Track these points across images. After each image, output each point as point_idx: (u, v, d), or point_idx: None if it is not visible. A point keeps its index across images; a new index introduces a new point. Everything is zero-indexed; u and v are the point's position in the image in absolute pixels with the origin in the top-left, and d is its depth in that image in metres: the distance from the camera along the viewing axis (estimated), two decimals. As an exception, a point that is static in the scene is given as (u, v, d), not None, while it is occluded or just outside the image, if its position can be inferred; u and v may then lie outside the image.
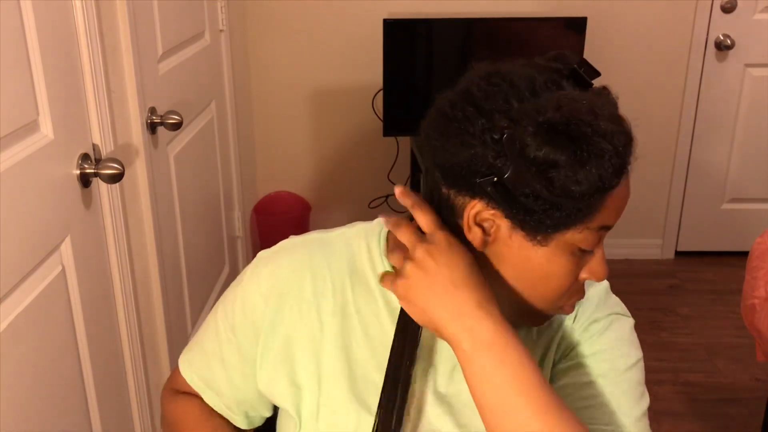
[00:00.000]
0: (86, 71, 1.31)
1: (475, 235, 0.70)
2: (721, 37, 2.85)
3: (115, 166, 1.28)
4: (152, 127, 1.65)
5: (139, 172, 1.59)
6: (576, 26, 2.59)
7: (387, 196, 3.05)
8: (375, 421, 0.75)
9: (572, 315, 0.82)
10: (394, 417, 0.74)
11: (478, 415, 0.73)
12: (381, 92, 2.66)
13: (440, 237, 0.70)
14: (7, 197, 1.03)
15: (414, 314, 0.71)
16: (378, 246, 0.80)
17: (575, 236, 0.68)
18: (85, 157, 1.28)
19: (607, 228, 0.70)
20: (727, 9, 2.82)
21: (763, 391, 2.26)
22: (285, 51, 2.89)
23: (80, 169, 1.26)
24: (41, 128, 1.16)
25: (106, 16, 1.39)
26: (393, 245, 0.74)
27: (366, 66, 2.86)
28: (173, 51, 1.84)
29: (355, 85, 2.92)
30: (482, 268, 0.72)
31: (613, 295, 0.85)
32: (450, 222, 0.72)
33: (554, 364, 0.82)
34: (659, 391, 2.27)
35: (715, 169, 3.06)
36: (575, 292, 0.75)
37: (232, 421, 0.87)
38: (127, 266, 1.49)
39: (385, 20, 2.53)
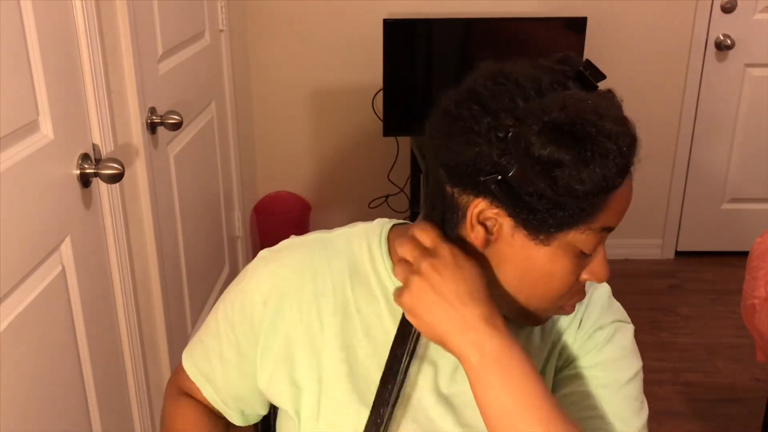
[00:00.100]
0: (86, 71, 1.31)
1: (477, 234, 0.70)
2: (721, 37, 2.85)
3: (115, 166, 1.28)
4: (152, 127, 1.65)
5: (139, 172, 1.59)
6: (576, 26, 2.59)
7: (387, 196, 3.05)
8: (368, 419, 0.75)
9: (576, 321, 0.82)
10: (386, 416, 0.75)
11: (480, 415, 0.74)
12: (381, 92, 2.66)
13: (445, 250, 0.71)
14: (7, 197, 1.03)
15: (420, 327, 0.71)
16: (379, 246, 0.80)
17: (577, 236, 0.69)
18: (85, 157, 1.28)
19: (609, 229, 0.70)
20: (727, 9, 2.82)
21: (763, 391, 2.26)
22: (285, 51, 2.89)
23: (80, 169, 1.26)
24: (41, 128, 1.16)
25: (106, 16, 1.39)
26: (399, 259, 0.74)
27: (366, 66, 2.86)
28: (173, 51, 1.84)
29: (355, 85, 2.92)
30: (484, 267, 0.73)
31: (615, 301, 0.86)
32: (452, 222, 0.72)
33: (558, 370, 0.83)
34: (659, 391, 2.28)
35: (715, 169, 3.06)
36: (576, 292, 0.75)
37: (227, 417, 0.88)
38: (127, 266, 1.49)
39: (385, 20, 2.53)
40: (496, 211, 0.69)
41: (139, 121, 1.56)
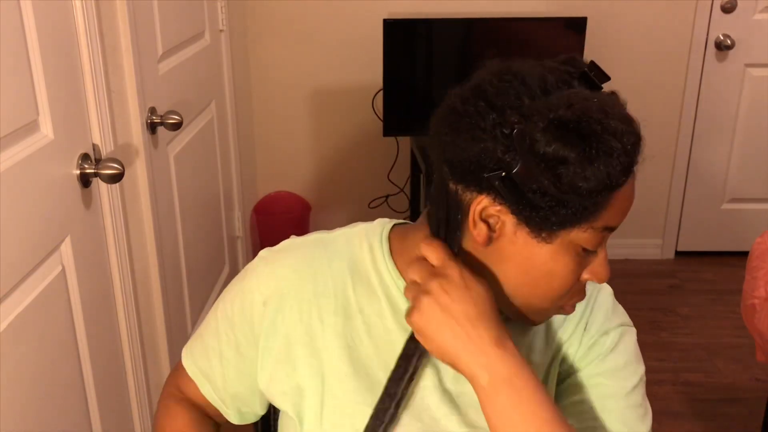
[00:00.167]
0: (86, 71, 1.31)
1: (480, 231, 0.70)
2: (721, 37, 2.85)
3: (115, 166, 1.28)
4: (152, 127, 1.65)
5: (139, 172, 1.59)
6: (576, 26, 2.59)
7: (387, 196, 3.05)
8: (370, 416, 0.76)
9: (582, 325, 0.82)
10: (387, 416, 0.75)
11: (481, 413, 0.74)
12: (381, 92, 2.66)
13: (453, 270, 0.71)
14: (7, 197, 1.03)
15: (429, 348, 0.71)
16: (380, 246, 0.80)
17: (579, 235, 0.69)
18: (85, 157, 1.28)
19: (611, 229, 0.70)
20: (727, 9, 2.82)
21: (763, 391, 2.26)
22: (285, 51, 2.89)
23: (80, 169, 1.26)
24: (41, 128, 1.16)
25: (106, 16, 1.39)
26: (410, 282, 0.74)
27: (366, 66, 2.86)
28: (173, 51, 1.84)
29: (355, 85, 2.92)
30: (485, 265, 0.73)
31: (618, 304, 0.86)
32: (455, 219, 0.72)
33: (563, 376, 0.83)
34: (659, 391, 2.28)
35: (715, 169, 3.06)
36: (576, 292, 0.75)
37: (225, 415, 0.88)
38: (127, 266, 1.49)
39: (385, 20, 2.53)
40: (498, 208, 0.69)
41: (139, 121, 1.56)
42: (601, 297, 0.84)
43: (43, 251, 1.16)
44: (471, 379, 0.70)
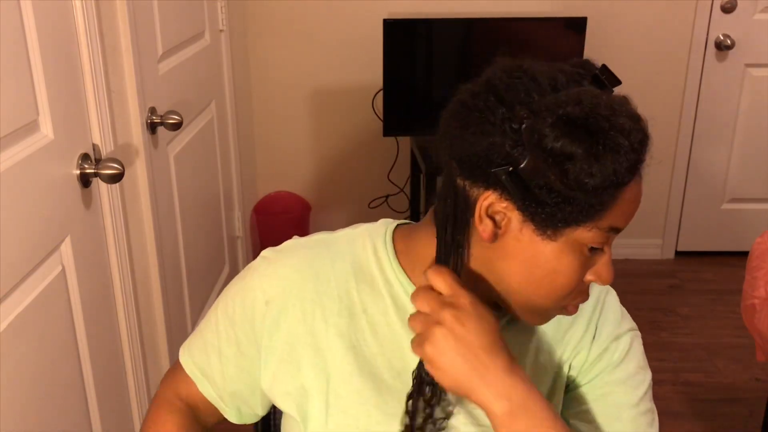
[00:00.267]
0: (86, 71, 1.31)
1: (485, 227, 0.70)
2: (721, 37, 2.85)
3: (115, 166, 1.28)
4: (152, 127, 1.65)
5: (139, 172, 1.59)
6: (576, 26, 2.59)
7: (387, 196, 3.05)
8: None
9: (591, 330, 0.82)
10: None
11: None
12: (381, 92, 2.66)
13: (465, 299, 0.70)
14: (7, 197, 1.03)
15: (442, 379, 0.71)
16: (384, 246, 0.80)
17: (584, 234, 0.69)
18: (85, 157, 1.28)
19: (616, 230, 0.70)
20: (727, 9, 2.82)
21: (763, 391, 2.26)
22: (285, 51, 2.89)
23: (80, 169, 1.26)
24: (41, 128, 1.16)
25: (106, 16, 1.40)
26: (413, 315, 0.73)
27: (366, 66, 2.86)
28: (173, 51, 1.84)
29: (355, 85, 2.92)
30: (490, 261, 0.73)
31: (623, 307, 0.86)
32: (462, 215, 0.72)
33: (573, 383, 0.83)
34: (659, 391, 2.27)
35: (715, 169, 3.06)
36: (580, 293, 0.75)
37: (223, 413, 0.88)
38: (127, 266, 1.49)
39: (385, 20, 2.53)
40: (505, 204, 0.69)
41: (139, 121, 1.56)
42: (609, 300, 0.84)
43: (43, 251, 1.16)
44: (487, 408, 0.69)
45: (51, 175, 1.18)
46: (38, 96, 1.14)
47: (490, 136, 0.67)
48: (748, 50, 2.87)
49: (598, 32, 2.75)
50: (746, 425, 2.14)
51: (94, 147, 1.34)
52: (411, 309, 0.76)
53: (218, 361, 0.84)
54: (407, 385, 0.77)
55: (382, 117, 2.67)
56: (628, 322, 0.84)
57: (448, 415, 0.77)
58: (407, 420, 0.76)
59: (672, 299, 2.85)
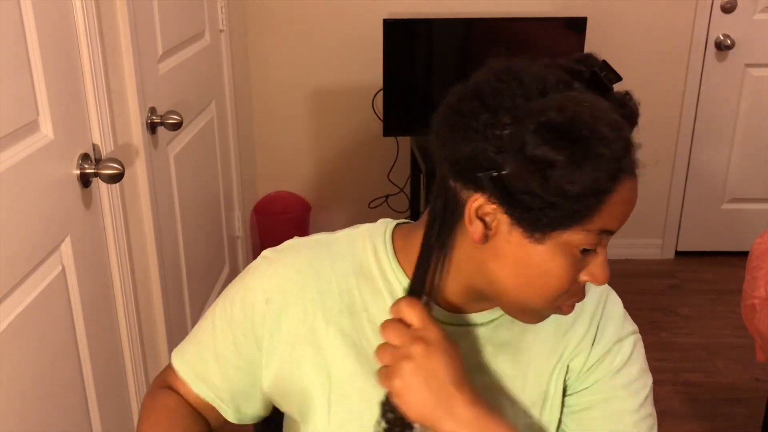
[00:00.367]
0: (86, 71, 1.31)
1: (476, 229, 0.70)
2: (721, 37, 2.85)
3: (115, 166, 1.28)
4: (152, 127, 1.65)
5: (139, 172, 1.59)
6: (576, 26, 2.59)
7: (387, 196, 3.05)
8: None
9: (592, 332, 0.82)
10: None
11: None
12: (381, 92, 2.66)
13: (434, 332, 0.71)
14: (7, 197, 1.03)
15: (408, 411, 0.71)
16: (384, 246, 0.81)
17: (573, 237, 0.69)
18: (85, 157, 1.28)
19: (608, 232, 0.70)
20: (727, 9, 2.82)
21: (763, 391, 2.26)
22: (285, 51, 2.89)
23: (80, 169, 1.26)
24: (41, 128, 1.16)
25: (106, 16, 1.40)
26: (381, 347, 0.74)
27: (366, 66, 2.86)
28: (173, 51, 1.84)
29: (355, 85, 2.92)
30: (482, 263, 0.73)
31: (625, 309, 0.86)
32: (450, 216, 0.72)
33: (573, 384, 0.83)
34: (659, 391, 2.27)
35: (715, 169, 3.06)
36: (574, 293, 0.74)
37: (222, 412, 0.87)
38: (127, 266, 1.49)
39: (385, 20, 2.53)
40: (494, 206, 0.69)
41: (139, 121, 1.56)
42: (611, 302, 0.84)
43: (43, 251, 1.16)
44: None
45: (51, 175, 1.18)
46: (38, 96, 1.14)
47: (474, 141, 0.68)
48: (748, 50, 2.87)
49: (598, 32, 2.75)
50: (746, 425, 2.14)
51: (94, 147, 1.34)
52: None
53: (215, 363, 0.84)
54: None
55: (382, 117, 2.67)
56: (630, 325, 0.84)
57: None
58: None
59: (672, 299, 2.85)
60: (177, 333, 1.87)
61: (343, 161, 3.07)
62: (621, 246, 3.13)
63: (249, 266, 0.84)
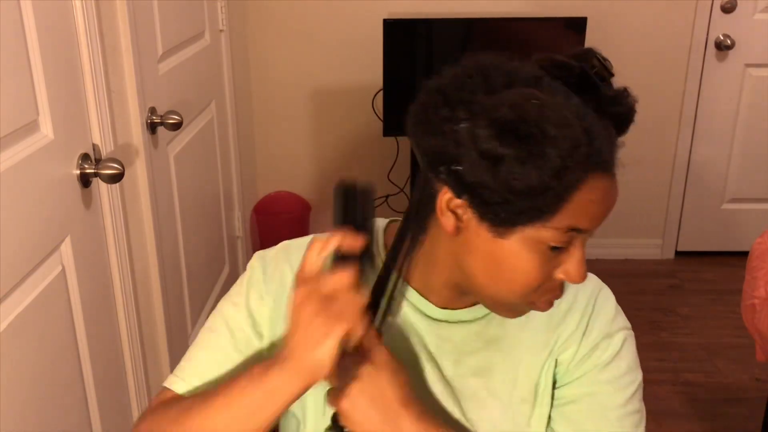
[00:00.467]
0: (86, 71, 1.31)
1: (447, 220, 0.71)
2: (721, 37, 2.85)
3: (115, 166, 1.28)
4: (152, 127, 1.65)
5: (139, 172, 1.59)
6: (576, 26, 2.59)
7: (387, 197, 3.05)
8: None
9: (582, 326, 0.82)
10: None
11: (482, 408, 0.78)
12: (381, 92, 2.66)
13: (382, 355, 0.72)
14: (7, 197, 1.03)
15: (356, 430, 0.72)
16: (375, 244, 0.82)
17: (542, 233, 0.68)
18: (85, 157, 1.28)
19: (578, 230, 0.69)
20: (727, 9, 2.82)
21: (763, 391, 2.26)
22: (285, 51, 2.89)
23: (80, 169, 1.26)
24: (41, 128, 1.16)
25: (106, 16, 1.40)
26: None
27: (366, 66, 2.86)
28: (173, 51, 1.84)
29: (355, 85, 2.92)
30: (458, 257, 0.73)
31: (618, 306, 0.86)
32: (424, 208, 0.73)
33: (561, 378, 0.82)
34: (659, 391, 2.28)
35: (715, 169, 3.06)
36: (549, 290, 0.74)
37: None
38: (127, 266, 1.49)
39: (385, 20, 2.53)
40: (461, 200, 0.69)
41: (139, 121, 1.56)
42: (603, 297, 0.84)
43: (43, 251, 1.16)
44: None
45: (51, 175, 1.18)
46: (38, 96, 1.14)
47: (435, 135, 0.69)
48: (748, 50, 2.87)
49: (598, 32, 2.75)
50: (746, 425, 2.14)
51: (94, 147, 1.34)
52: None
53: (217, 370, 0.82)
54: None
55: (382, 117, 2.67)
56: (622, 321, 0.84)
57: None
58: None
59: (672, 299, 2.85)
60: (177, 333, 1.87)
61: (343, 161, 3.07)
62: (621, 246, 3.13)
63: (242, 275, 0.85)
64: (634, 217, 3.11)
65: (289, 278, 0.81)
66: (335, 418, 0.74)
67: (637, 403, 0.82)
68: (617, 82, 0.73)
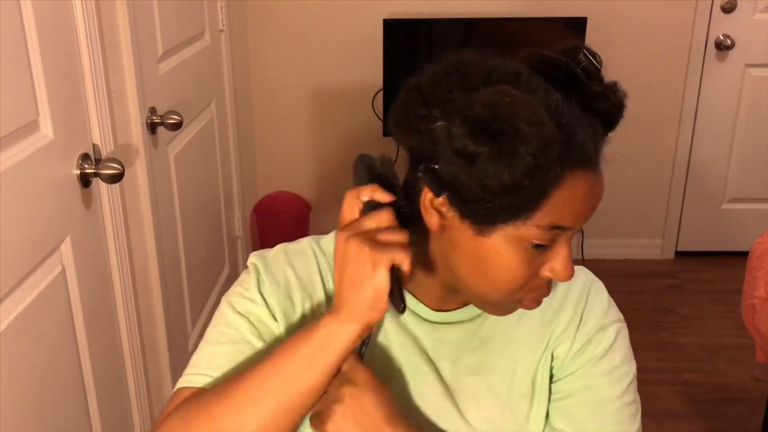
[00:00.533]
0: (86, 71, 1.31)
1: (431, 218, 0.71)
2: (721, 37, 2.85)
3: (115, 166, 1.28)
4: (152, 127, 1.65)
5: (139, 172, 1.59)
6: (576, 26, 2.59)
7: (387, 196, 3.05)
8: None
9: (576, 320, 0.82)
10: None
11: (482, 408, 0.78)
12: (381, 92, 2.66)
13: (362, 374, 0.72)
14: (7, 197, 1.03)
15: None
16: None
17: (525, 231, 0.68)
18: (85, 157, 1.28)
19: (562, 228, 0.68)
20: (727, 9, 2.82)
21: (763, 391, 2.26)
22: (285, 51, 2.89)
23: (80, 169, 1.26)
24: (41, 128, 1.16)
25: (106, 16, 1.40)
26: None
27: (366, 66, 2.86)
28: (173, 51, 1.84)
29: (355, 85, 2.92)
30: (445, 256, 0.73)
31: (611, 299, 0.86)
32: (415, 205, 0.73)
33: (557, 373, 0.82)
34: (659, 391, 2.28)
35: (715, 169, 3.06)
36: (535, 288, 0.73)
37: None
38: (127, 266, 1.49)
39: (385, 20, 2.53)
40: (443, 198, 0.69)
41: (139, 121, 1.56)
42: (595, 290, 0.84)
43: (43, 251, 1.16)
44: None
45: (51, 175, 1.18)
46: (38, 96, 1.14)
47: (414, 133, 0.69)
48: (748, 50, 2.87)
49: (598, 32, 2.75)
50: (746, 425, 2.14)
51: (94, 147, 1.34)
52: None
53: (239, 359, 0.79)
54: (392, 370, 0.80)
55: (382, 117, 2.67)
56: (615, 313, 0.84)
57: None
58: None
59: (672, 299, 2.85)
60: (177, 333, 1.87)
61: (343, 161, 3.07)
62: (621, 246, 3.13)
63: (239, 279, 0.84)
64: (634, 217, 3.11)
65: (292, 279, 0.81)
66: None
67: (633, 395, 0.82)
68: (619, 82, 0.73)
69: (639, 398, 0.83)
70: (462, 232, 0.70)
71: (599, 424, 0.80)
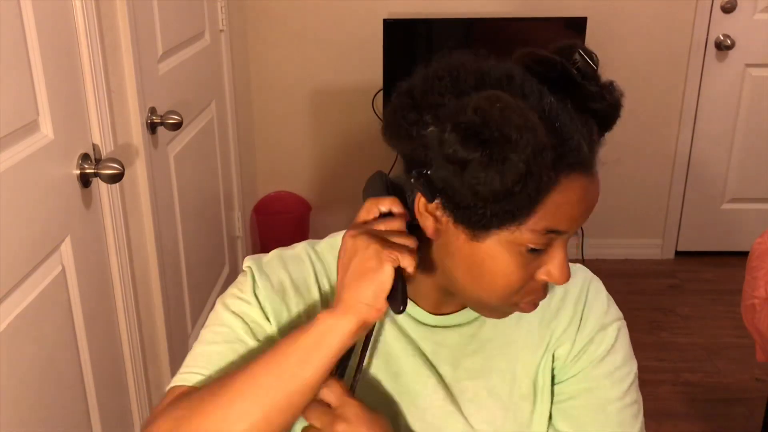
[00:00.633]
0: (86, 71, 1.31)
1: (426, 223, 0.71)
2: (721, 37, 2.85)
3: (115, 166, 1.28)
4: (152, 127, 1.65)
5: (139, 172, 1.59)
6: (576, 26, 2.59)
7: (387, 196, 3.05)
8: None
9: (576, 320, 0.82)
10: None
11: (484, 411, 0.77)
12: (381, 92, 2.66)
13: (352, 408, 0.72)
14: (7, 197, 1.03)
15: None
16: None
17: (519, 236, 0.67)
18: (85, 157, 1.28)
19: (557, 232, 0.68)
20: (727, 9, 2.82)
21: (763, 391, 2.26)
22: (285, 51, 2.88)
23: (80, 169, 1.26)
24: (41, 128, 1.16)
25: (106, 16, 1.40)
26: (305, 429, 0.74)
27: (366, 66, 2.86)
28: (173, 51, 1.84)
29: (355, 85, 2.92)
30: (441, 260, 0.73)
31: (610, 296, 0.85)
32: (410, 209, 0.73)
33: (558, 374, 0.82)
34: (659, 391, 2.28)
35: (715, 169, 3.06)
36: (532, 291, 0.73)
37: None
38: (127, 266, 1.49)
39: (385, 20, 2.53)
40: (436, 203, 0.69)
41: (139, 121, 1.56)
42: (593, 288, 0.84)
43: (43, 251, 1.16)
44: None
45: (51, 175, 1.18)
46: (38, 96, 1.14)
47: (406, 139, 0.68)
48: (748, 50, 2.87)
49: (598, 32, 2.75)
50: (746, 425, 2.14)
51: (94, 147, 1.34)
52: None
53: (232, 358, 0.79)
54: (393, 375, 0.79)
55: (382, 117, 2.67)
56: (614, 312, 0.83)
57: None
58: None
59: (672, 299, 2.85)
60: (177, 333, 1.87)
61: (343, 161, 3.07)
62: (621, 246, 3.13)
63: (236, 280, 0.84)
64: (634, 217, 3.11)
65: (287, 284, 0.81)
66: None
67: (635, 394, 0.82)
68: (618, 82, 0.72)
69: (641, 397, 0.83)
70: (457, 236, 0.70)
71: (601, 426, 0.80)
